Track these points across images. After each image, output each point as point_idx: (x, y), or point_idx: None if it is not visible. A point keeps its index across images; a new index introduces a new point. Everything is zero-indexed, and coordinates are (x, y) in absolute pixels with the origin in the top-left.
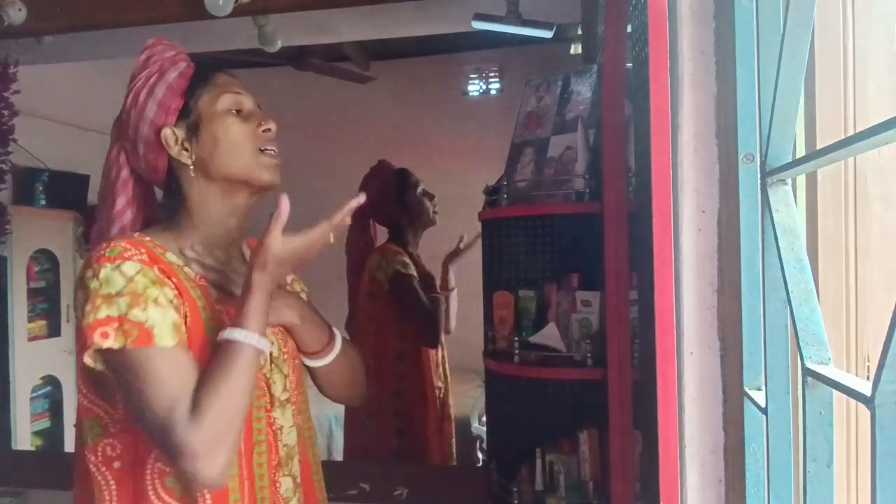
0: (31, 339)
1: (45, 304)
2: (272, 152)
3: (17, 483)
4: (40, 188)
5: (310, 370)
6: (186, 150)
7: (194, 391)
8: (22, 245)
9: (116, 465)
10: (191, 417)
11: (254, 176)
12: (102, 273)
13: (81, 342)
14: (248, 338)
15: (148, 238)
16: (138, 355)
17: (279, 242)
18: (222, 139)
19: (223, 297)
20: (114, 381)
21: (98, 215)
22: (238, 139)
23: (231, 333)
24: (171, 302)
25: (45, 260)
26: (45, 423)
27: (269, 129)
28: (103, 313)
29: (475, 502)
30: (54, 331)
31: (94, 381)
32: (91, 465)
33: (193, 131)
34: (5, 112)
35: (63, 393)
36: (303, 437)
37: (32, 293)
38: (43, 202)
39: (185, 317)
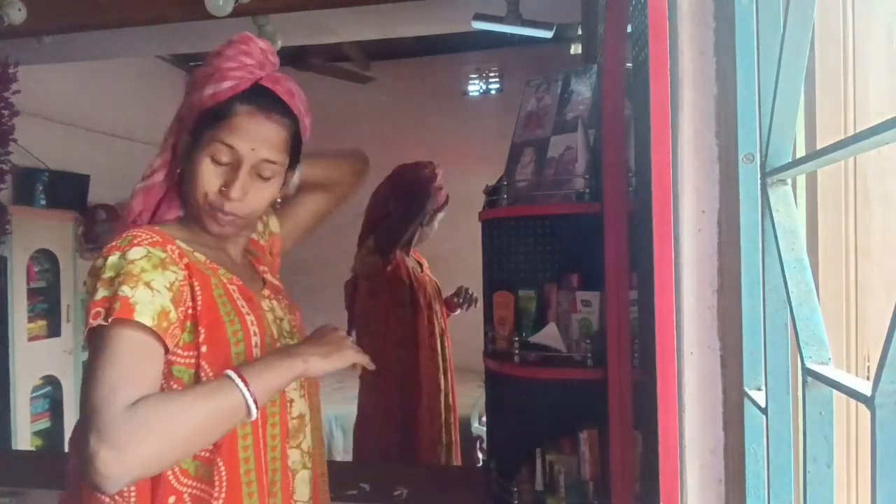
0: (31, 339)
1: (45, 304)
2: (223, 215)
3: (17, 483)
4: (40, 188)
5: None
6: (184, 159)
7: (151, 395)
8: (22, 245)
9: None
10: (128, 407)
11: (200, 221)
12: (110, 260)
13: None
14: (244, 388)
15: (158, 227)
16: (112, 328)
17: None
18: (192, 176)
19: (234, 279)
20: None
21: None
22: (196, 186)
23: (231, 373)
24: (168, 287)
25: (45, 260)
26: (45, 423)
27: (227, 198)
28: (100, 294)
29: (475, 502)
30: (54, 331)
31: None
32: None
33: (190, 149)
34: (5, 112)
35: (63, 393)
36: (314, 413)
37: (32, 293)
38: (43, 202)
39: (190, 310)
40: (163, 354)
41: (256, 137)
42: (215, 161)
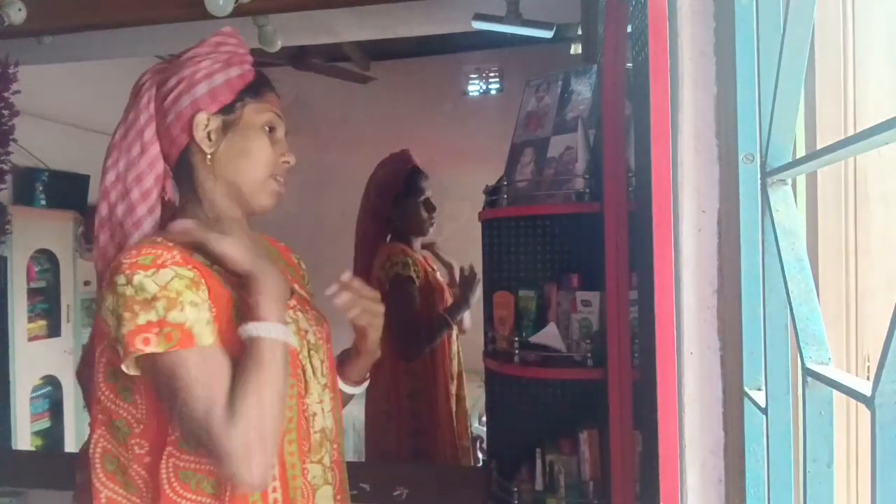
0: (31, 339)
1: (45, 304)
2: (280, 181)
3: (17, 483)
4: (40, 188)
5: None
6: (210, 139)
7: (229, 390)
8: (22, 245)
9: (147, 460)
10: (226, 419)
11: (254, 195)
12: (136, 280)
13: (114, 349)
14: (265, 330)
15: (171, 242)
16: (178, 357)
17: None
18: (248, 152)
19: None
20: (140, 384)
21: (110, 186)
22: (260, 159)
23: (247, 330)
24: (205, 301)
25: (45, 260)
26: (45, 423)
27: (288, 162)
28: (143, 319)
29: (475, 502)
30: (54, 331)
31: (116, 383)
32: (124, 460)
33: (226, 129)
34: (5, 112)
35: (63, 393)
36: (337, 425)
37: (32, 293)
38: (43, 202)
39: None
40: (224, 352)
41: (279, 107)
42: (271, 130)
